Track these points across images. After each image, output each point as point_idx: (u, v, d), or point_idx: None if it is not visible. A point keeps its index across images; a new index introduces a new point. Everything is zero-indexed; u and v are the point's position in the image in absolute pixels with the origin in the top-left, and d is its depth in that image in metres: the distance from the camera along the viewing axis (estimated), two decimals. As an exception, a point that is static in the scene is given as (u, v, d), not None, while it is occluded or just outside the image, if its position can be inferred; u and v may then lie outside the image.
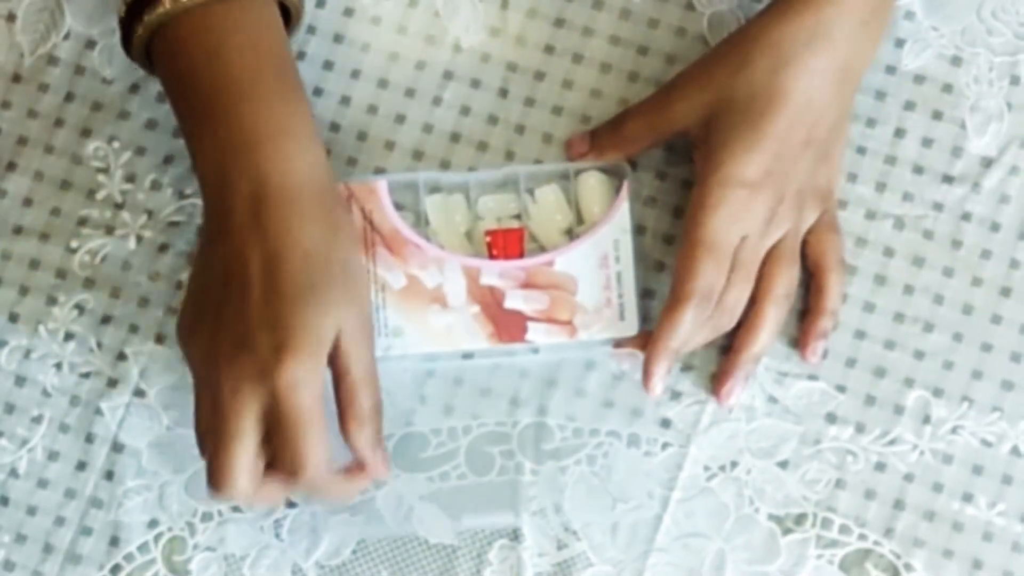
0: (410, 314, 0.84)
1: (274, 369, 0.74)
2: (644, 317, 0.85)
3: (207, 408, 0.76)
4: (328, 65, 0.89)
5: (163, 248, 0.88)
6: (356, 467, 0.79)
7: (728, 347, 0.85)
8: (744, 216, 0.80)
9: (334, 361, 0.77)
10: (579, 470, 0.86)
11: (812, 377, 0.86)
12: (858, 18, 0.80)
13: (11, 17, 0.90)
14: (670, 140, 0.85)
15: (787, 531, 0.85)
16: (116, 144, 0.89)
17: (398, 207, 0.87)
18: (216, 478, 0.75)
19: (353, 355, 0.77)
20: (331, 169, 0.79)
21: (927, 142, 0.87)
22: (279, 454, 0.75)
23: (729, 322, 0.82)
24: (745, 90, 0.80)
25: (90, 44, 0.90)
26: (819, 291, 0.85)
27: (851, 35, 0.80)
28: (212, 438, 0.76)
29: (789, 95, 0.80)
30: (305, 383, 0.74)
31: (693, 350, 0.84)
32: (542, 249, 0.86)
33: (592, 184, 0.86)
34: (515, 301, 0.84)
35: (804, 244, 0.84)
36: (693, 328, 0.81)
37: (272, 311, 0.75)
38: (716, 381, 0.85)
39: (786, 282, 0.83)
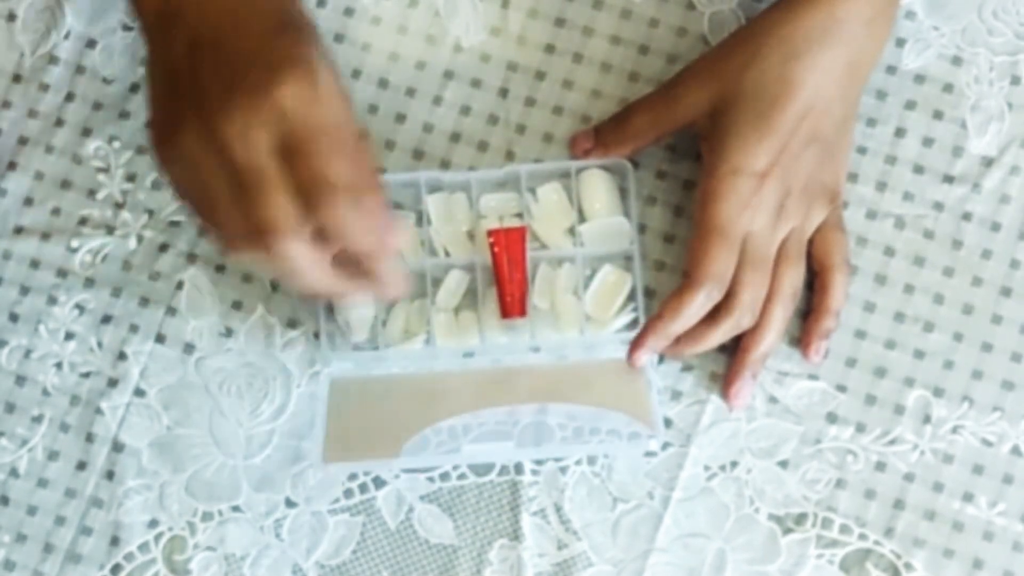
0: None
1: (275, 89, 0.68)
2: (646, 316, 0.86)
3: (219, 179, 0.69)
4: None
5: (163, 248, 0.88)
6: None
7: (733, 348, 0.85)
8: (753, 205, 0.80)
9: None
10: (579, 470, 0.85)
11: (812, 377, 0.86)
12: (867, 15, 0.81)
13: (11, 17, 0.90)
14: (675, 134, 0.85)
15: (787, 531, 0.85)
16: (116, 144, 0.89)
17: (398, 206, 0.88)
18: (266, 229, 0.68)
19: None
20: None
21: (928, 142, 0.87)
22: (307, 173, 0.69)
23: (750, 320, 0.82)
24: (755, 82, 0.80)
25: (91, 44, 0.90)
26: (823, 290, 0.85)
27: (860, 32, 0.81)
28: (242, 195, 0.68)
29: (799, 88, 0.80)
30: (312, 95, 0.69)
31: (707, 351, 0.84)
32: (544, 248, 0.86)
33: (594, 182, 0.86)
34: None
35: (810, 243, 0.84)
36: (698, 314, 0.81)
37: (254, 48, 0.70)
38: (724, 382, 0.85)
39: (794, 280, 0.83)
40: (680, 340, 0.83)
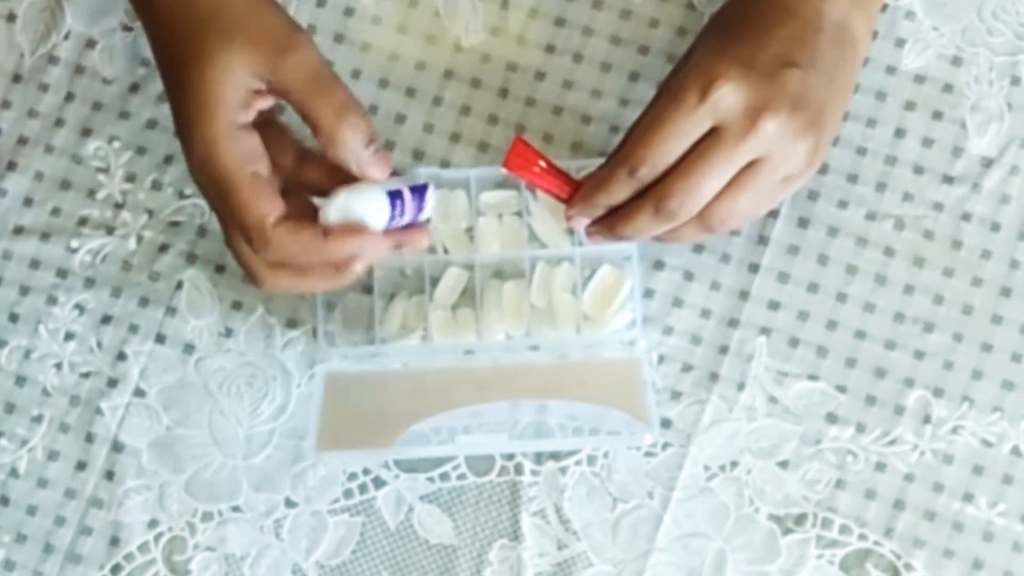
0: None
1: (189, 155, 0.76)
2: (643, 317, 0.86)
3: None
4: (328, 65, 0.89)
5: (163, 248, 0.88)
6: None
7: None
8: (725, 100, 0.75)
9: (273, 91, 0.77)
10: (579, 470, 0.85)
11: (812, 377, 0.86)
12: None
13: (11, 17, 0.90)
14: None
15: (787, 531, 0.85)
16: (116, 144, 0.89)
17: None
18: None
19: (281, 69, 0.77)
20: None
21: (927, 142, 0.87)
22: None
23: (677, 208, 0.76)
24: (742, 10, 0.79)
25: (90, 44, 0.90)
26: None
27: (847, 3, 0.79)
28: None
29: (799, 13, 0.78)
30: (217, 145, 0.75)
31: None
32: (542, 247, 0.86)
33: (593, 179, 0.86)
34: None
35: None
36: (624, 193, 0.77)
37: (178, 102, 0.77)
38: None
39: (730, 213, 0.77)
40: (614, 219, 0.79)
